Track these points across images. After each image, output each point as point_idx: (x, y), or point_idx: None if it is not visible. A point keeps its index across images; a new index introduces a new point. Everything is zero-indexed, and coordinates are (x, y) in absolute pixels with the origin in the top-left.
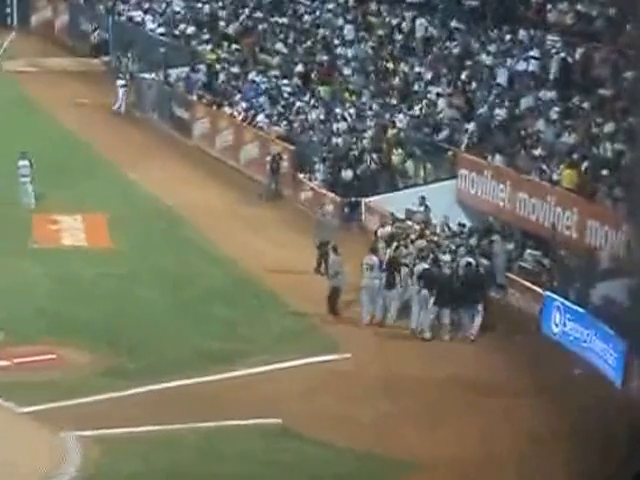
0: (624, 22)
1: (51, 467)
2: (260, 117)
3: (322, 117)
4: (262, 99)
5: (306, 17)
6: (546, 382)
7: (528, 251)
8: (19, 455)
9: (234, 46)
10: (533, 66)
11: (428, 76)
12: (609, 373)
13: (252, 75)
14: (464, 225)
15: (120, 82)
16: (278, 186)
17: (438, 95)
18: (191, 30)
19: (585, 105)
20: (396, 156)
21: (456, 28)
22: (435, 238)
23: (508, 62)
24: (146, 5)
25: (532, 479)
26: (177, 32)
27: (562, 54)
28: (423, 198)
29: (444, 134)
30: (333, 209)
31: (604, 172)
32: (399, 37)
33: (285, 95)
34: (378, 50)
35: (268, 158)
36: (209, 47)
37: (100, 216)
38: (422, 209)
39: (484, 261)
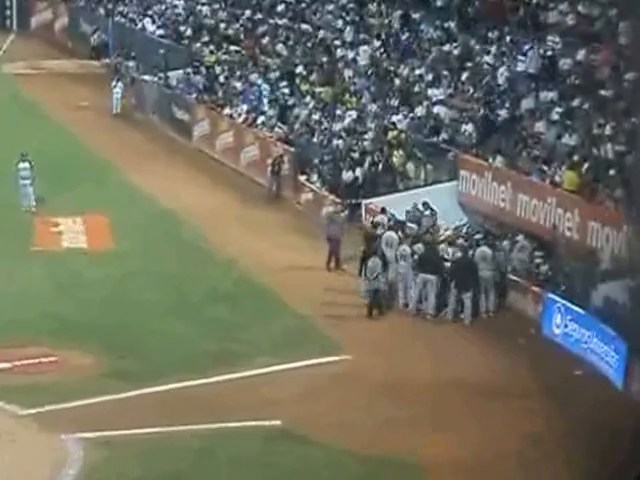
0: (624, 23)
1: (52, 469)
2: (260, 119)
3: (323, 119)
4: (262, 101)
5: (306, 19)
6: (548, 384)
7: (529, 252)
8: (20, 457)
9: (234, 48)
10: (533, 67)
11: (429, 78)
12: (610, 374)
13: (252, 77)
14: (462, 227)
15: (115, 83)
16: (279, 188)
17: (441, 102)
18: (191, 32)
19: (586, 106)
20: (397, 158)
21: (460, 30)
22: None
23: (508, 63)
24: (146, 7)
25: None
26: (177, 34)
27: (549, 53)
28: (426, 203)
29: (445, 135)
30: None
31: (605, 173)
32: (400, 39)
33: (285, 97)
34: (379, 52)
35: (269, 160)
36: (209, 49)
37: (101, 218)
38: (428, 213)
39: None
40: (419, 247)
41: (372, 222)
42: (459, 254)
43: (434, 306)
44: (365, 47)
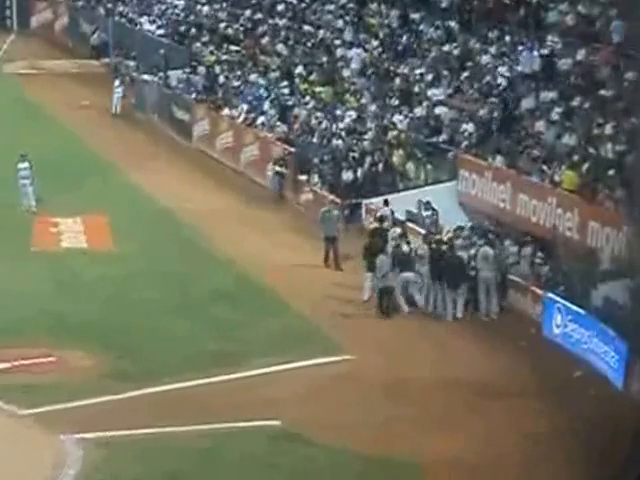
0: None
1: (52, 470)
2: (260, 119)
3: (323, 119)
4: (262, 101)
5: (306, 19)
6: (548, 384)
7: (527, 250)
8: (20, 458)
9: (234, 48)
10: (529, 69)
11: (429, 78)
12: (610, 375)
13: (252, 77)
14: (462, 228)
15: (116, 83)
16: (283, 189)
17: (441, 102)
18: (191, 32)
19: (586, 106)
20: (397, 158)
21: (460, 30)
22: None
23: (509, 63)
24: (146, 7)
25: None
26: (177, 34)
27: (547, 52)
28: (429, 202)
29: (445, 135)
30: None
31: (605, 173)
32: (400, 38)
33: (285, 97)
34: (379, 52)
35: (272, 161)
36: (209, 49)
37: (101, 218)
38: (429, 213)
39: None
40: (423, 247)
41: (378, 216)
42: (449, 252)
43: (424, 304)
44: (359, 50)
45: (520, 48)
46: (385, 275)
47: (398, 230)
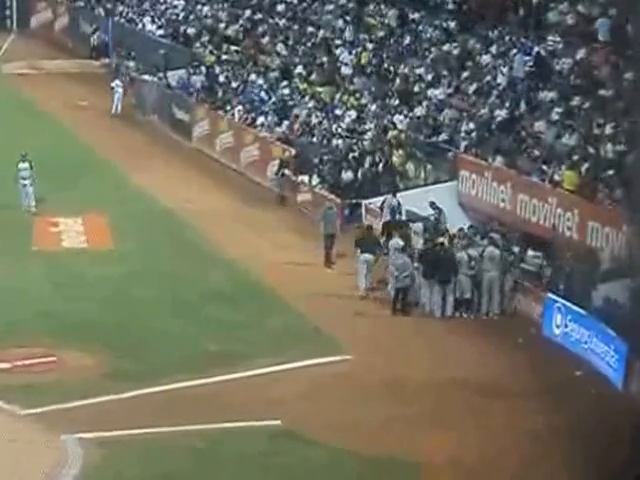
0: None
1: (52, 469)
2: (260, 119)
3: (323, 119)
4: (262, 101)
5: (306, 19)
6: (548, 384)
7: (529, 253)
8: (20, 458)
9: (234, 48)
10: (522, 72)
11: (429, 77)
12: (610, 374)
13: (252, 77)
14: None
15: (116, 83)
16: (284, 190)
17: (441, 102)
18: (191, 32)
19: (586, 106)
20: (397, 158)
21: (460, 30)
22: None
23: (509, 63)
24: (146, 7)
25: None
26: (177, 34)
27: (539, 51)
28: (433, 202)
29: (445, 135)
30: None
31: (605, 173)
32: (400, 38)
33: (285, 97)
34: (378, 52)
35: (274, 163)
36: (209, 49)
37: (101, 218)
38: (433, 212)
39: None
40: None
41: (391, 206)
42: (442, 250)
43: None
44: (351, 56)
45: (514, 51)
46: (406, 277)
47: (422, 227)
